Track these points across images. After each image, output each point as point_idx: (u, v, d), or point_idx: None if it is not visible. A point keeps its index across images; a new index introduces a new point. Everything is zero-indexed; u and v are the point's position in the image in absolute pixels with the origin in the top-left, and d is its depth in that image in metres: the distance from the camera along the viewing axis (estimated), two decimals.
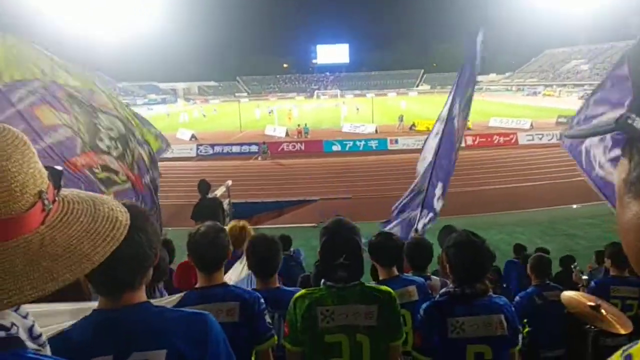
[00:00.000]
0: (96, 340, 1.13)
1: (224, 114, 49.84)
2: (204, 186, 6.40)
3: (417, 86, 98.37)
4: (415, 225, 5.19)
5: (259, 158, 22.62)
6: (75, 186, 2.58)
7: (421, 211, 5.16)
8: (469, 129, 21.15)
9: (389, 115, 36.95)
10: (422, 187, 5.26)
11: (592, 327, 3.00)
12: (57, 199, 0.81)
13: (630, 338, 2.59)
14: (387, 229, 5.44)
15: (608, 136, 2.98)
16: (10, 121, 2.52)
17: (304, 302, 1.90)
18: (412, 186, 5.96)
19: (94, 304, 1.22)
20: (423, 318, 2.05)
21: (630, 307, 3.41)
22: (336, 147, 24.24)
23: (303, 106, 56.16)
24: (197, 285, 2.04)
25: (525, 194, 13.27)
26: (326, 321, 1.86)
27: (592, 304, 2.86)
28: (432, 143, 5.43)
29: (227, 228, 3.69)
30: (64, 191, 0.85)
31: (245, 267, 2.84)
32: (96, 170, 3.13)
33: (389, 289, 1.97)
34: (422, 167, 5.80)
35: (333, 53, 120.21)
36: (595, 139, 3.11)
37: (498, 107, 41.88)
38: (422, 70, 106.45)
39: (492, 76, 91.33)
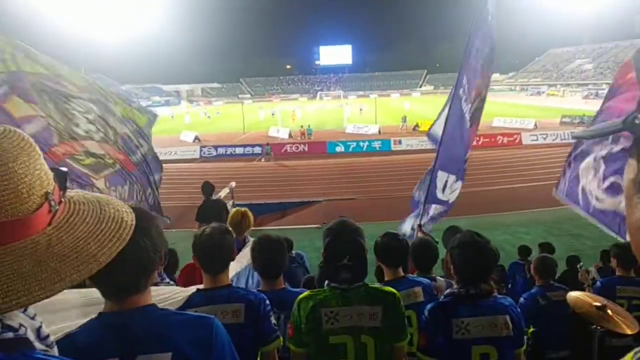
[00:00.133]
0: (102, 342, 1.14)
1: (227, 116, 49.89)
2: (208, 188, 6.41)
3: (420, 87, 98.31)
4: (420, 219, 5.11)
5: (263, 159, 22.62)
6: None
7: (424, 205, 5.11)
8: None
9: (392, 116, 36.93)
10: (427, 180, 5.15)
11: (598, 327, 2.98)
12: (63, 200, 0.81)
13: (637, 338, 2.58)
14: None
15: (602, 165, 3.20)
16: None
17: (308, 303, 1.89)
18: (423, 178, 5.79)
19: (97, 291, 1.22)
20: (427, 319, 2.04)
21: (637, 307, 3.38)
22: (339, 148, 24.24)
23: (306, 107, 56.17)
24: (202, 287, 2.03)
25: (530, 194, 13.17)
26: (330, 322, 1.86)
27: (598, 304, 2.84)
28: (439, 130, 5.29)
29: (228, 218, 3.66)
30: (70, 192, 0.85)
31: (246, 257, 2.80)
32: (79, 158, 3.05)
33: (393, 289, 1.96)
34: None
35: (336, 54, 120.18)
36: (590, 175, 3.32)
37: (502, 107, 41.63)
38: (425, 71, 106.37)
39: (496, 76, 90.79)
